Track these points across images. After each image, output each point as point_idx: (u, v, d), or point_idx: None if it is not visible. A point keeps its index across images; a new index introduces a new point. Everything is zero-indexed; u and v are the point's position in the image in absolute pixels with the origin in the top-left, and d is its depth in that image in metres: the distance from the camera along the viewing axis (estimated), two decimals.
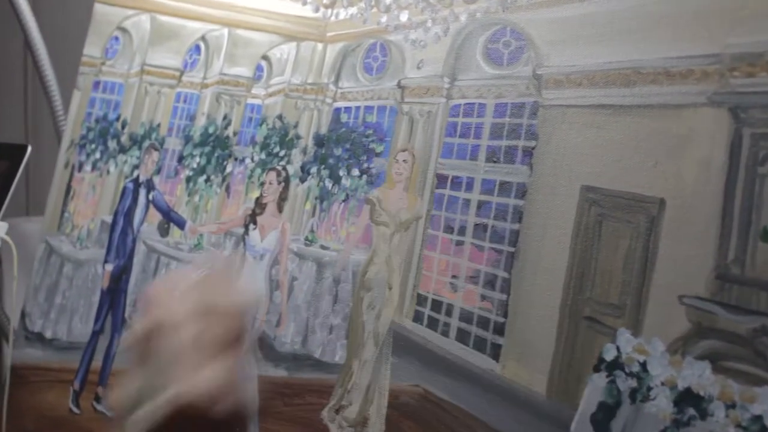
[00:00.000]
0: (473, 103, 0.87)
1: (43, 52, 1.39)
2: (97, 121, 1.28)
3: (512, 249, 0.80)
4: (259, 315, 1.00)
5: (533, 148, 0.81)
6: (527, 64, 0.83)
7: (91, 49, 1.33)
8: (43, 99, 1.44)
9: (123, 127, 1.24)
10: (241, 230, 1.05)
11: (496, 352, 0.80)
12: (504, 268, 0.80)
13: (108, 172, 1.25)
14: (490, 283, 0.81)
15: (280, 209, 1.01)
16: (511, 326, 0.79)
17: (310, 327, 0.94)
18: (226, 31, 1.16)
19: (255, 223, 1.04)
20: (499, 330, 0.79)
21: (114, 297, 1.18)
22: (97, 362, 1.18)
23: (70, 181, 1.30)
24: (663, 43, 0.74)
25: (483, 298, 0.81)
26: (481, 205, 0.83)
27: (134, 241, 1.18)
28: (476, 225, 0.83)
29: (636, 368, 0.70)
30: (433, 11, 0.91)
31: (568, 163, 0.78)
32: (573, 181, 0.77)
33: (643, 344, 0.70)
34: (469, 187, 0.84)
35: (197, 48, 1.19)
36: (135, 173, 1.21)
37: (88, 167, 1.28)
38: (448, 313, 0.82)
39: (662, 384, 0.68)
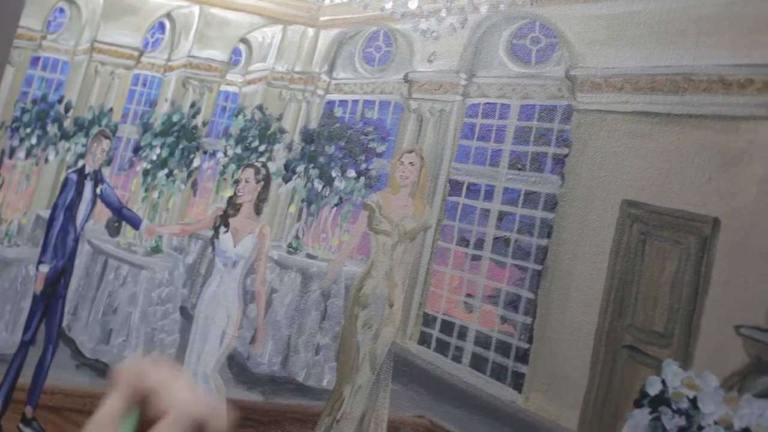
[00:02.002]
0: (495, 103, 0.79)
1: None
2: (34, 102, 1.15)
3: (539, 267, 0.73)
4: (229, 330, 0.89)
5: (565, 156, 0.74)
6: (559, 63, 0.76)
7: (30, 20, 1.19)
8: None
9: (66, 111, 1.11)
10: (210, 233, 0.94)
11: (518, 382, 0.72)
12: (529, 288, 0.73)
13: (46, 160, 1.11)
14: (513, 303, 0.73)
15: (257, 211, 0.91)
16: (537, 353, 0.71)
17: (292, 346, 0.84)
18: (196, 8, 1.05)
19: (227, 225, 0.93)
20: (523, 357, 0.72)
21: (49, 303, 1.05)
22: (26, 378, 1.04)
23: None
24: (719, 49, 0.68)
25: (504, 320, 0.74)
26: (502, 216, 0.76)
27: (76, 240, 1.06)
28: (496, 238, 0.75)
29: (685, 405, 0.64)
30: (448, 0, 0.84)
31: (606, 174, 0.71)
32: (612, 194, 0.71)
33: (694, 378, 0.64)
34: (489, 195, 0.76)
35: (161, 26, 1.08)
36: (80, 163, 1.08)
37: (21, 154, 1.14)
38: (461, 336, 0.74)
39: (716, 423, 0.63)
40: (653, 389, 0.66)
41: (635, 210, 0.70)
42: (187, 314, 0.92)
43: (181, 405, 0.53)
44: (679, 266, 0.67)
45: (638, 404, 0.66)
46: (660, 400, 0.65)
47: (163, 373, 0.53)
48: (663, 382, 0.65)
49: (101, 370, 0.97)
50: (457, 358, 0.76)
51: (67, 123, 1.10)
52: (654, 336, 0.67)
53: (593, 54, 0.75)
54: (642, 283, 0.68)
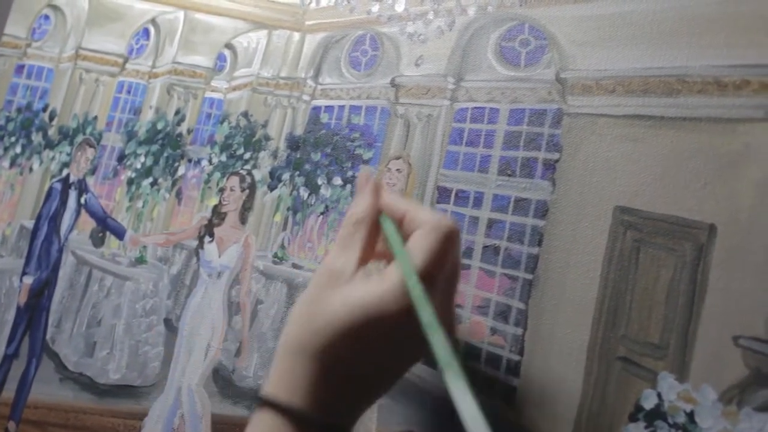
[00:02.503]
0: (483, 108, 0.77)
1: None
2: (19, 110, 1.12)
3: (530, 276, 0.70)
4: (214, 343, 0.86)
5: (556, 161, 0.71)
6: (549, 66, 0.74)
7: (15, 28, 1.17)
8: None
9: (51, 119, 1.09)
10: (195, 243, 0.92)
11: (509, 396, 0.69)
12: (520, 298, 0.70)
13: (31, 169, 1.09)
14: (503, 314, 0.71)
15: (243, 220, 0.89)
16: (528, 366, 0.69)
17: None
18: (181, 14, 1.02)
19: (212, 235, 0.91)
20: (514, 370, 0.69)
21: (33, 315, 1.03)
22: (9, 392, 1.01)
23: None
24: (714, 49, 0.66)
25: (494, 331, 0.71)
26: (492, 224, 0.73)
27: (60, 250, 1.03)
28: (485, 247, 0.72)
29: (682, 419, 0.61)
30: (435, 2, 0.81)
31: (599, 179, 0.69)
32: (604, 200, 0.68)
33: (690, 391, 0.61)
34: (478, 203, 0.74)
35: (146, 32, 1.05)
36: (64, 172, 1.05)
37: (5, 163, 1.12)
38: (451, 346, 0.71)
39: None
40: (648, 403, 0.63)
41: (628, 216, 0.67)
42: (171, 326, 0.89)
43: (433, 217, 0.58)
44: (675, 274, 0.64)
45: (633, 418, 0.63)
46: (656, 414, 0.63)
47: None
48: (659, 395, 0.63)
49: (85, 384, 0.94)
50: None
51: (52, 131, 1.07)
52: (649, 347, 0.64)
53: (584, 56, 0.73)
54: (636, 292, 0.66)
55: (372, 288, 0.56)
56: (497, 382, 0.70)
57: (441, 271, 0.57)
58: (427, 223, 0.57)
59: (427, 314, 0.53)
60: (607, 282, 0.67)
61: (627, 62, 0.70)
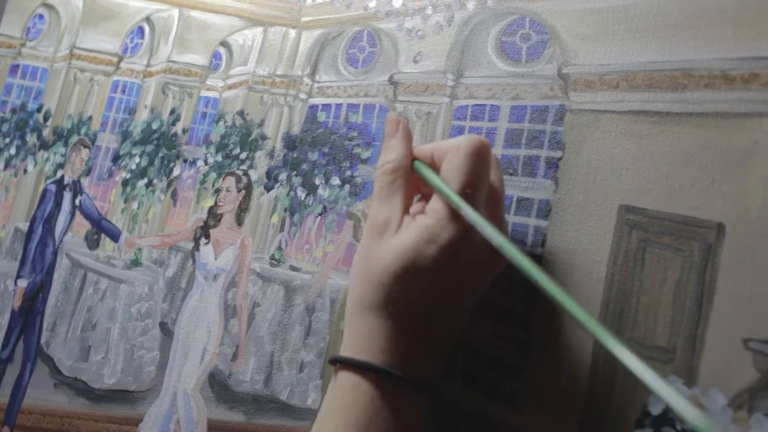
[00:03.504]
0: (484, 105, 0.74)
1: None
2: (13, 111, 1.10)
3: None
4: (210, 347, 0.84)
5: (559, 159, 0.69)
6: (551, 61, 0.71)
7: (9, 27, 1.15)
8: None
9: (45, 120, 1.07)
10: (191, 245, 0.90)
11: (512, 399, 0.67)
12: (523, 300, 0.68)
13: (25, 170, 1.07)
14: (505, 317, 0.68)
15: (239, 222, 0.86)
16: (532, 369, 0.66)
17: (275, 363, 0.79)
18: (176, 12, 1.00)
19: (207, 236, 0.88)
20: (517, 374, 0.67)
21: (27, 319, 1.00)
22: (3, 397, 0.99)
23: None
24: (721, 42, 0.64)
25: (496, 334, 0.68)
26: None
27: (55, 253, 1.01)
28: None
29: (690, 425, 0.59)
30: None
31: (603, 178, 0.66)
32: (609, 199, 0.66)
33: (699, 396, 0.59)
34: None
35: (140, 30, 1.03)
36: (59, 173, 1.03)
37: (0, 164, 1.09)
38: (454, 352, 0.69)
39: None
40: (656, 408, 0.61)
41: (634, 216, 0.65)
42: (167, 330, 0.87)
43: (456, 140, 0.59)
44: (682, 275, 0.62)
45: (640, 424, 0.61)
46: (663, 420, 0.60)
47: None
48: None
49: (80, 388, 0.92)
50: (447, 373, 0.71)
51: (46, 132, 1.05)
52: (656, 351, 0.62)
53: (587, 50, 0.70)
54: (642, 294, 0.63)
55: (419, 228, 0.56)
56: (501, 386, 0.68)
57: (482, 187, 0.57)
58: (452, 146, 0.58)
59: (494, 235, 0.55)
60: (612, 283, 0.65)
61: (631, 56, 0.67)
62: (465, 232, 0.55)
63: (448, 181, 0.57)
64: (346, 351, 0.59)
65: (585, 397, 0.64)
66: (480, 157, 0.58)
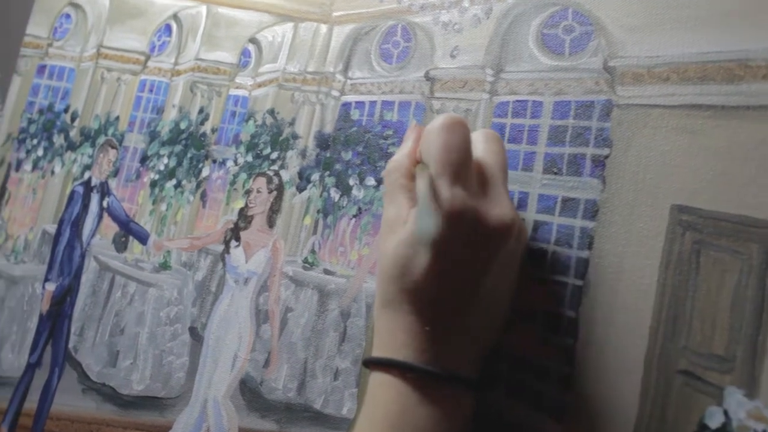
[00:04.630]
0: (525, 101, 0.71)
1: None
2: (41, 111, 1.09)
3: (580, 282, 0.64)
4: (241, 353, 0.82)
5: (606, 157, 0.65)
6: (596, 54, 0.68)
7: (36, 28, 1.13)
8: None
9: (73, 120, 1.05)
10: (221, 247, 0.87)
11: (558, 411, 0.63)
12: (569, 306, 0.64)
13: (52, 172, 1.05)
14: (551, 323, 0.65)
15: (270, 224, 0.84)
16: (580, 379, 0.63)
17: (308, 370, 0.76)
18: (204, 8, 0.98)
19: (238, 239, 0.86)
20: (563, 383, 0.63)
21: (55, 323, 0.99)
22: (31, 402, 0.98)
23: (5, 181, 1.10)
24: None
25: (541, 341, 0.65)
26: (537, 226, 0.67)
27: (83, 256, 0.99)
28: (532, 251, 0.67)
29: None
30: None
31: (653, 176, 0.63)
32: (660, 199, 0.62)
33: (762, 409, 0.56)
34: (522, 203, 0.68)
35: (167, 28, 1.01)
36: (86, 175, 1.01)
37: (27, 166, 1.08)
38: (493, 357, 0.66)
39: None
40: (714, 421, 0.57)
41: (687, 216, 0.61)
42: (196, 335, 0.84)
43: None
44: (741, 279, 0.58)
45: None
46: None
47: None
48: (725, 413, 0.57)
49: (108, 394, 0.90)
50: (489, 382, 0.68)
51: (74, 133, 1.04)
52: (713, 360, 0.58)
53: (634, 42, 0.67)
54: (698, 300, 0.60)
55: (413, 216, 0.58)
56: (546, 396, 0.65)
57: (459, 160, 0.57)
58: (424, 132, 0.60)
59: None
60: (664, 288, 0.61)
61: (682, 47, 0.64)
62: (449, 210, 0.55)
63: (426, 163, 0.58)
64: (374, 350, 0.59)
65: (636, 411, 0.60)
66: (452, 131, 0.58)
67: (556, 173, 0.68)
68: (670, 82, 0.64)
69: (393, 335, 0.58)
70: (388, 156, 0.78)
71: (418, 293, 0.57)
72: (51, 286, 1.01)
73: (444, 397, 0.57)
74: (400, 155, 0.63)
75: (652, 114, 0.65)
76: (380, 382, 0.58)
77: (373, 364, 0.59)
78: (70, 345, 0.97)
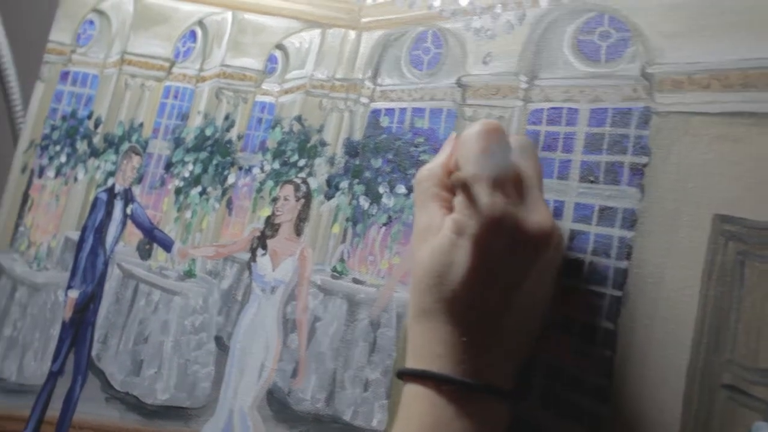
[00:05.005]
0: (560, 108, 0.70)
1: (0, 34, 1.18)
2: (64, 118, 1.09)
3: (618, 293, 0.63)
4: (268, 363, 0.81)
5: (645, 165, 0.64)
6: (633, 60, 0.67)
7: (60, 34, 1.13)
8: None
9: (96, 126, 1.05)
10: (247, 256, 0.86)
11: (595, 425, 0.62)
12: (607, 317, 0.63)
13: (75, 179, 1.05)
14: (588, 334, 0.64)
15: (298, 232, 0.83)
16: (618, 392, 0.62)
17: (338, 381, 0.75)
18: (229, 15, 0.97)
19: (264, 247, 0.85)
20: (601, 396, 0.62)
21: (78, 331, 0.98)
22: (53, 411, 0.97)
23: (27, 188, 1.10)
24: None
25: (577, 353, 0.64)
26: (574, 235, 0.66)
27: (106, 263, 0.99)
28: (568, 261, 0.65)
29: None
30: None
31: (695, 185, 0.61)
32: (701, 208, 0.61)
33: None
34: (558, 212, 0.67)
35: (192, 34, 1.01)
36: (110, 181, 1.01)
37: (50, 173, 1.08)
38: (527, 368, 0.65)
39: None
40: None
41: (730, 226, 0.60)
42: (222, 345, 0.84)
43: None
44: None
45: None
46: None
47: None
48: None
49: (132, 404, 0.89)
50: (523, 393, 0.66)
51: (97, 139, 1.03)
52: (759, 374, 0.57)
53: (673, 48, 0.66)
54: (742, 312, 0.58)
55: (449, 222, 0.57)
56: (583, 409, 0.63)
57: (496, 165, 0.57)
58: (460, 138, 0.60)
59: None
60: (707, 300, 0.60)
61: (723, 54, 0.63)
62: (488, 217, 0.54)
63: (463, 169, 0.58)
64: (408, 362, 0.58)
65: (678, 426, 0.59)
66: (488, 137, 0.57)
67: (592, 182, 0.67)
68: (711, 89, 0.63)
69: (428, 346, 0.57)
70: (418, 164, 0.77)
71: (455, 302, 0.56)
72: (74, 294, 1.00)
73: (480, 409, 0.56)
74: (433, 164, 0.62)
75: (692, 121, 0.63)
76: (414, 395, 0.57)
77: (407, 375, 0.58)
78: (93, 353, 0.96)
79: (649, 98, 0.66)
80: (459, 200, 0.57)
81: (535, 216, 0.57)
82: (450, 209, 0.59)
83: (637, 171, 0.65)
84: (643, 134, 0.65)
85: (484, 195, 0.55)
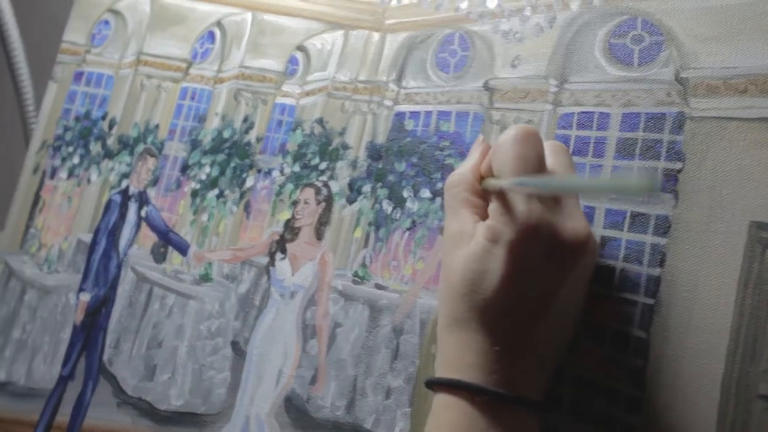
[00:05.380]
0: (592, 112, 0.69)
1: (14, 34, 1.18)
2: (77, 119, 1.08)
3: (651, 301, 0.62)
4: (286, 369, 0.80)
5: (679, 171, 0.63)
6: (667, 64, 0.66)
7: (74, 34, 1.13)
8: (9, 89, 1.23)
9: (110, 128, 1.04)
10: (265, 260, 0.86)
11: None
12: (639, 325, 0.62)
13: (89, 180, 1.04)
14: (620, 343, 0.63)
15: (318, 236, 0.82)
16: (651, 403, 0.61)
17: (358, 388, 0.74)
18: (249, 16, 0.97)
19: (284, 251, 0.84)
20: (633, 406, 0.61)
21: (89, 335, 0.97)
22: (63, 416, 0.96)
23: (39, 189, 1.09)
24: None
25: (609, 362, 0.63)
26: (605, 242, 0.66)
27: (119, 266, 0.98)
28: (599, 268, 0.65)
29: None
30: None
31: (730, 192, 0.61)
32: (737, 215, 0.60)
33: None
34: (589, 218, 0.67)
35: (210, 35, 1.00)
36: (124, 183, 1.00)
37: (63, 174, 1.07)
38: (557, 378, 0.64)
39: None
40: None
41: (767, 233, 0.59)
42: (239, 350, 0.83)
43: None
44: None
45: None
46: None
47: None
48: None
49: (144, 409, 0.88)
50: (553, 403, 0.65)
51: (111, 141, 1.03)
52: None
53: (708, 52, 0.65)
54: None
55: (483, 229, 0.56)
56: (615, 420, 0.62)
57: (533, 171, 0.56)
58: (497, 144, 0.58)
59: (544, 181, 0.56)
60: (743, 308, 0.59)
61: (761, 58, 0.62)
62: (525, 224, 0.54)
63: (499, 175, 0.57)
64: (438, 371, 0.58)
65: None
66: (526, 142, 0.57)
67: None
68: (748, 94, 0.62)
69: (460, 355, 0.56)
70: (444, 168, 0.77)
71: (488, 311, 0.55)
72: (85, 297, 0.99)
73: (512, 420, 0.55)
74: (464, 169, 0.62)
75: (728, 127, 0.63)
76: (446, 404, 0.56)
77: (438, 384, 0.57)
78: (105, 357, 0.95)
79: (684, 103, 0.65)
80: (494, 207, 0.56)
81: (571, 222, 0.56)
82: (481, 215, 0.58)
83: (671, 177, 0.64)
84: (677, 139, 0.65)
85: (520, 202, 0.54)
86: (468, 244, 0.56)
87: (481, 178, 0.61)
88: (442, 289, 0.59)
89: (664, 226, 0.63)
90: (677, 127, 0.65)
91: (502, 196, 0.56)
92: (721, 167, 0.62)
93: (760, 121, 0.61)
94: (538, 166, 0.56)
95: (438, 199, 0.76)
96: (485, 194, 0.60)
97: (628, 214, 0.65)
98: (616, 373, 0.63)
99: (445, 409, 0.56)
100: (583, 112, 0.70)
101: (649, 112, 0.67)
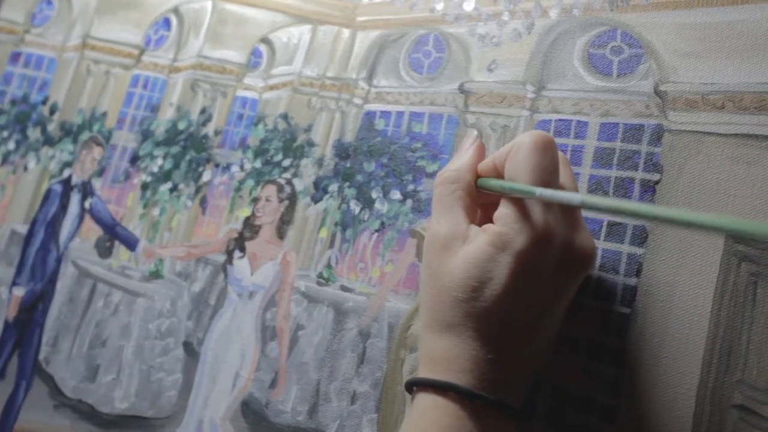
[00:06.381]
0: (569, 120, 0.71)
1: None
2: (13, 102, 1.03)
3: (627, 310, 0.64)
4: (244, 372, 0.78)
5: (656, 183, 0.65)
6: (646, 77, 0.68)
7: (11, 12, 1.08)
8: None
9: (51, 113, 1.00)
10: (222, 258, 0.84)
11: None
12: (615, 334, 0.63)
13: (25, 168, 1.00)
14: (596, 352, 0.64)
15: (280, 235, 0.81)
16: (626, 412, 0.62)
17: (322, 393, 0.73)
18: (209, 3, 0.95)
19: (243, 249, 0.83)
20: (608, 415, 0.62)
21: (24, 331, 0.93)
22: None
23: None
24: None
25: (584, 371, 0.64)
26: None
27: (59, 260, 0.94)
28: None
29: None
30: (510, 2, 0.75)
31: (707, 205, 0.63)
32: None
33: None
34: None
35: (166, 22, 0.98)
36: (66, 173, 0.96)
37: None
38: (532, 388, 0.65)
39: None
40: None
41: (743, 247, 0.61)
42: (191, 351, 0.81)
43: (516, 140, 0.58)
44: None
45: None
46: None
47: None
48: None
49: (85, 412, 0.85)
50: (526, 413, 0.66)
51: (52, 127, 0.98)
52: None
53: (687, 67, 0.67)
54: (754, 332, 0.60)
55: (491, 236, 0.54)
56: (589, 429, 0.63)
57: (553, 183, 0.55)
58: (513, 146, 0.57)
59: (582, 197, 0.52)
60: (719, 319, 0.61)
61: (738, 76, 0.64)
62: (541, 235, 0.53)
63: (513, 180, 0.56)
64: (423, 373, 0.57)
65: None
66: (545, 151, 0.55)
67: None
68: (725, 110, 0.65)
69: (451, 359, 0.56)
70: (416, 169, 0.77)
71: (487, 319, 0.55)
72: (19, 291, 0.95)
73: (497, 426, 0.55)
74: (459, 166, 0.60)
75: (705, 141, 0.65)
76: (433, 405, 0.55)
77: (425, 387, 0.56)
78: (41, 356, 0.91)
79: (662, 116, 0.67)
80: (506, 213, 0.55)
81: (581, 236, 0.57)
82: (471, 217, 0.58)
83: (649, 188, 0.66)
84: (655, 151, 0.66)
85: (538, 211, 0.54)
86: (462, 247, 0.56)
87: (478, 177, 0.60)
88: (430, 292, 0.57)
89: (641, 236, 0.65)
90: (656, 139, 0.67)
91: (518, 202, 0.55)
92: (699, 180, 0.64)
93: (737, 137, 0.63)
94: (555, 178, 0.56)
95: (409, 201, 0.76)
96: (478, 196, 0.59)
97: (605, 223, 0.67)
98: (591, 382, 0.64)
99: (434, 409, 0.55)
100: (560, 120, 0.72)
101: (627, 123, 0.68)
